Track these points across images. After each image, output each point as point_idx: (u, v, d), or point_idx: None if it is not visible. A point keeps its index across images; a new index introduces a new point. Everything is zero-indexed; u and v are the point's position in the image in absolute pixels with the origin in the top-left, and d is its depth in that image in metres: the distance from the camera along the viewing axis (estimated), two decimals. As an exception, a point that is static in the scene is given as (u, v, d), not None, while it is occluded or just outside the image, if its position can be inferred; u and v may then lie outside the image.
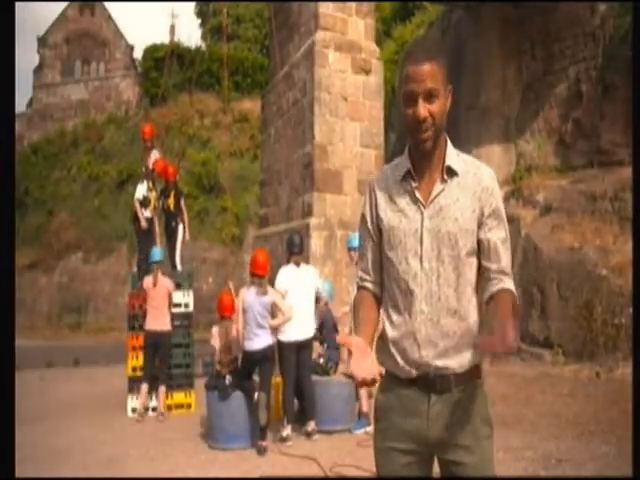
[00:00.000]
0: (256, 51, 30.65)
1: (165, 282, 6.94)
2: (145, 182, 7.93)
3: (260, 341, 5.27)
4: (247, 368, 5.44)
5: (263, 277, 5.38)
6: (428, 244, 1.67)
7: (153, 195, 7.92)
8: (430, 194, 1.69)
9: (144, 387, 6.68)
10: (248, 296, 5.33)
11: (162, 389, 6.80)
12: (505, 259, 1.72)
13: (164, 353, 6.86)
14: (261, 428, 5.16)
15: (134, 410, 6.75)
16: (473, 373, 1.69)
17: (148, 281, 6.87)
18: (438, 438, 1.66)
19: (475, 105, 11.93)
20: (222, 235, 21.08)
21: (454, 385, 1.65)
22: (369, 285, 1.84)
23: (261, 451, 5.06)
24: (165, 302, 6.88)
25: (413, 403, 1.68)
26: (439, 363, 1.64)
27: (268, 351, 5.32)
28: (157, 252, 7.10)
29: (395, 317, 1.71)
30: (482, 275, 1.73)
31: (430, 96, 1.62)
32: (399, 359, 1.69)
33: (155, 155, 8.26)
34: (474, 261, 1.71)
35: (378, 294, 1.83)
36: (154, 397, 6.90)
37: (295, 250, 5.79)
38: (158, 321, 6.76)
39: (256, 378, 5.49)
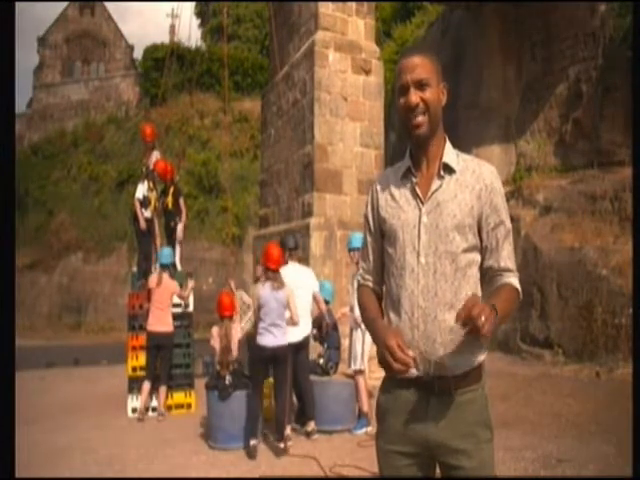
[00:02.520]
0: (256, 51, 30.67)
1: (170, 283, 6.90)
2: (145, 182, 7.93)
3: (274, 339, 5.12)
4: (258, 364, 5.29)
5: (277, 271, 5.27)
6: (425, 239, 1.67)
7: (153, 195, 7.91)
8: (428, 190, 1.71)
9: (146, 387, 6.65)
10: (264, 292, 5.18)
11: (163, 389, 6.79)
12: (508, 257, 1.72)
13: (167, 354, 6.84)
14: (279, 429, 5.11)
15: (134, 410, 6.74)
16: (473, 376, 1.68)
17: (152, 280, 6.82)
18: (437, 441, 1.65)
19: (475, 105, 11.94)
20: (222, 235, 21.09)
21: (453, 387, 1.65)
22: (371, 284, 1.88)
23: (253, 452, 5.02)
24: (169, 303, 6.85)
25: (412, 405, 1.68)
26: (438, 360, 1.64)
27: (279, 351, 5.14)
28: (167, 254, 7.03)
29: (394, 313, 1.72)
30: (485, 275, 1.73)
31: (421, 85, 1.67)
32: None
33: (156, 156, 8.25)
34: (474, 258, 1.70)
35: (379, 293, 1.87)
36: (154, 397, 6.89)
37: (291, 246, 5.78)
38: (162, 322, 6.72)
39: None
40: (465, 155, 1.78)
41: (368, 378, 6.01)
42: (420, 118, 1.67)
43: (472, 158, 1.78)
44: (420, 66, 1.66)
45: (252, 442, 5.03)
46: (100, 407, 7.27)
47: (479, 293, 1.72)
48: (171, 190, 7.95)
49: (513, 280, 1.71)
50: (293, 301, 5.26)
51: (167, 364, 6.89)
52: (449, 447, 1.64)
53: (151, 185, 7.92)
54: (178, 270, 7.85)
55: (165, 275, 6.87)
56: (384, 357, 1.54)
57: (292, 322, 5.25)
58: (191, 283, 7.38)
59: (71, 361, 12.11)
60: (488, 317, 1.42)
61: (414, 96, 1.65)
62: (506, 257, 1.71)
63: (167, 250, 7.21)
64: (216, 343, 5.55)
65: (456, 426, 1.64)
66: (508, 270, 1.71)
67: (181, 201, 8.07)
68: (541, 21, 11.15)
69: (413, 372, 1.64)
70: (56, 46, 33.02)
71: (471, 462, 1.63)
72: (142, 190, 7.85)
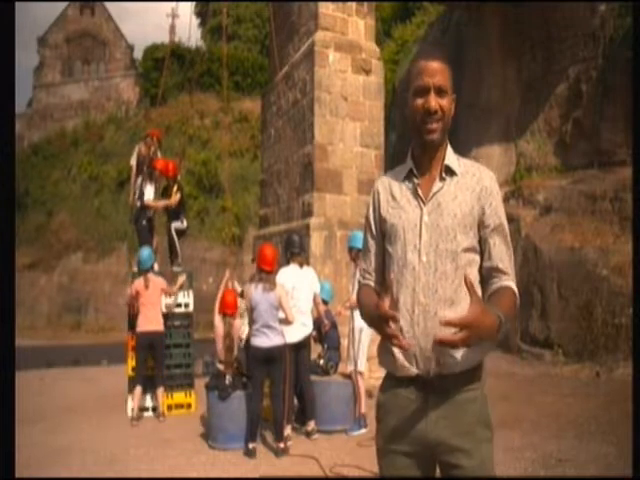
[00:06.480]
0: (256, 51, 30.68)
1: (157, 282, 6.81)
2: (148, 182, 7.89)
3: (267, 340, 5.12)
4: (255, 365, 5.27)
5: (271, 272, 5.22)
6: (427, 238, 1.70)
7: (154, 193, 7.88)
8: (430, 191, 1.75)
9: (138, 390, 6.55)
10: (255, 293, 5.16)
11: (161, 390, 6.74)
12: (506, 259, 1.74)
13: (160, 354, 6.76)
14: (278, 429, 5.11)
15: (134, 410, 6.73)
16: (473, 375, 1.68)
17: (139, 283, 6.72)
18: (437, 440, 1.65)
19: (475, 105, 11.94)
20: (222, 235, 21.09)
21: (453, 386, 1.65)
22: (371, 284, 1.90)
23: (253, 454, 5.03)
24: (159, 302, 6.77)
25: (412, 404, 1.69)
26: (438, 357, 1.64)
27: (273, 351, 5.12)
28: (147, 257, 6.86)
29: (395, 310, 1.71)
30: (484, 276, 1.75)
31: (440, 91, 1.70)
32: (399, 355, 1.69)
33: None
34: (474, 258, 1.73)
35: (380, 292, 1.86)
36: (150, 398, 6.86)
37: (296, 251, 5.75)
38: (152, 321, 6.64)
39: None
40: (465, 160, 1.83)
41: (368, 378, 6.01)
42: (436, 124, 1.71)
43: (472, 163, 1.83)
44: (441, 73, 1.70)
45: (251, 445, 5.04)
46: (100, 407, 7.27)
47: (479, 292, 1.72)
48: (174, 188, 7.90)
49: (511, 283, 1.72)
50: (286, 301, 5.23)
51: (162, 364, 6.79)
52: (449, 446, 1.64)
53: (152, 183, 7.88)
54: (180, 269, 7.83)
55: (151, 276, 6.76)
56: (375, 322, 1.62)
57: (287, 322, 5.24)
58: (181, 279, 7.24)
59: (71, 361, 12.10)
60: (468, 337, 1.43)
61: (434, 101, 1.69)
62: (503, 258, 1.73)
63: (147, 252, 6.94)
64: (218, 341, 5.55)
65: (456, 425, 1.64)
66: (505, 272, 1.72)
67: (178, 195, 7.98)
68: (541, 21, 11.15)
69: (414, 371, 1.66)
70: (56, 46, 33.02)
71: (470, 461, 1.63)
72: (147, 192, 7.78)
